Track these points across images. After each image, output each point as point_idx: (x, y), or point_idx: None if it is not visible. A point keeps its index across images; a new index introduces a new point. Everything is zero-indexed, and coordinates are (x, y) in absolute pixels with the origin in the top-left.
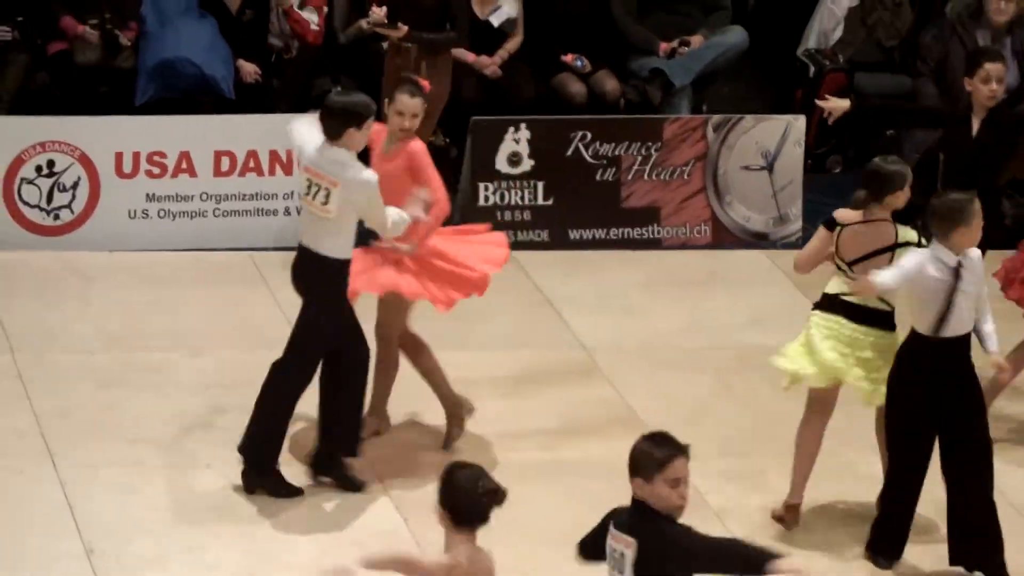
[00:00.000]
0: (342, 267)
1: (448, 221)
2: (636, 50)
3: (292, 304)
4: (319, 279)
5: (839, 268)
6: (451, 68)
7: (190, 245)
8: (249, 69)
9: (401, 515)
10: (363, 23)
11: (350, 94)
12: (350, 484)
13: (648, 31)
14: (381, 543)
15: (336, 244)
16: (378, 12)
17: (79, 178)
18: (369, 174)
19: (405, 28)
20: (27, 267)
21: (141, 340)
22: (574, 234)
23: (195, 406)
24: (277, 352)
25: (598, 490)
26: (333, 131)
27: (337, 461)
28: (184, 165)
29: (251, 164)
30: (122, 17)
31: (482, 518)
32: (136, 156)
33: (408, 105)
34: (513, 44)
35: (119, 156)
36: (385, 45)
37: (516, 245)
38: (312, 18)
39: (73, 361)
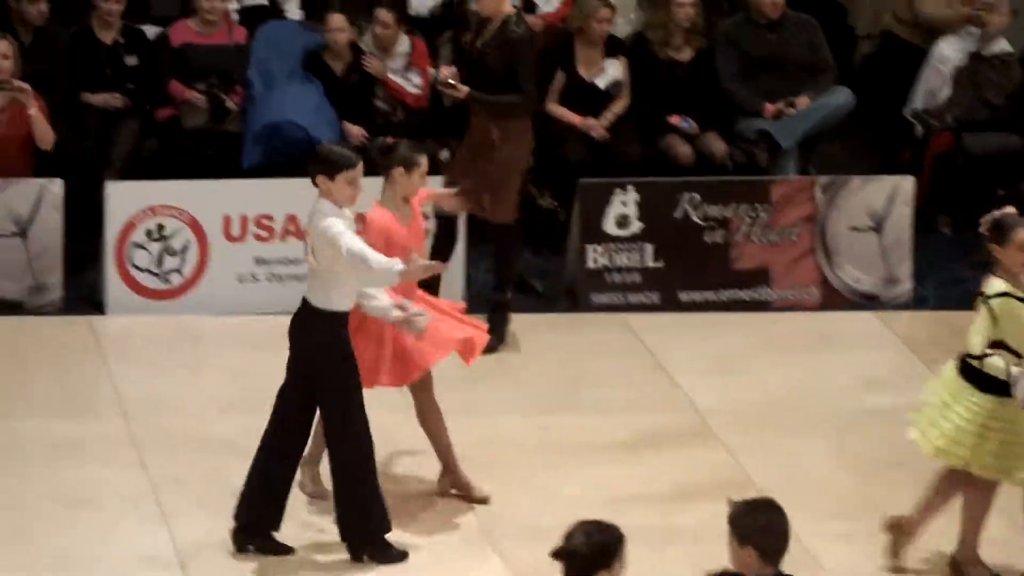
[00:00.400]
0: (336, 318)
1: (559, 283)
2: (742, 111)
3: None
4: (315, 332)
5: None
6: (527, 132)
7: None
8: (355, 132)
9: None
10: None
11: (336, 146)
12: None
13: (754, 93)
14: None
15: (325, 297)
16: (445, 72)
17: (188, 242)
18: (329, 222)
19: (466, 89)
20: (139, 331)
21: (252, 405)
22: (684, 296)
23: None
24: (390, 414)
25: (713, 554)
26: (311, 178)
27: (263, 531)
28: (292, 228)
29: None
30: (229, 81)
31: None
32: (244, 220)
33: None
34: (620, 106)
35: (227, 220)
36: None
37: (626, 308)
38: (414, 81)
39: (186, 426)
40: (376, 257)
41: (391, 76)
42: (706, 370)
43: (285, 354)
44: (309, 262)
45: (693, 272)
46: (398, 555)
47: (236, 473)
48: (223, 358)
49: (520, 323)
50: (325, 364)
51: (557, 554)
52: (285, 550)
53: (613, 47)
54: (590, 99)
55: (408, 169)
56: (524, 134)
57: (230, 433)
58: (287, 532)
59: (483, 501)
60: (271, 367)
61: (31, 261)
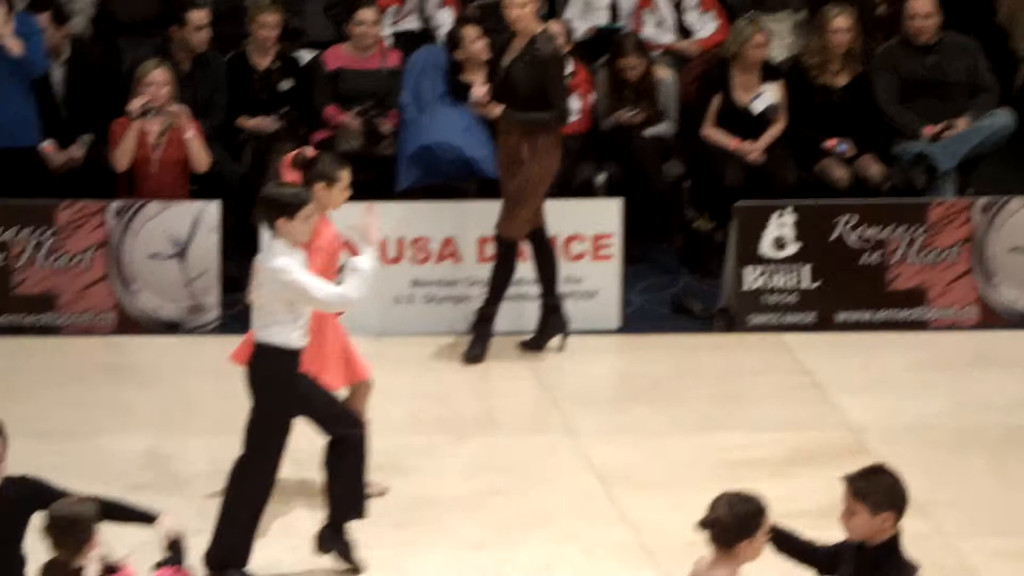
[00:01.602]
0: (283, 356)
1: (715, 304)
2: (900, 134)
3: (554, 387)
4: (262, 370)
5: None
6: (556, 149)
7: (455, 329)
8: None
9: None
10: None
11: (282, 186)
12: (351, 561)
13: (912, 115)
14: None
15: (267, 332)
16: (478, 91)
17: (343, 264)
18: (280, 262)
19: (501, 107)
20: None
21: (410, 424)
22: (840, 317)
23: (465, 490)
24: (544, 437)
25: None
26: (268, 221)
27: (340, 534)
28: (448, 251)
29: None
30: (383, 105)
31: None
32: (400, 242)
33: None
34: (776, 130)
35: (383, 242)
36: None
37: (782, 328)
38: (574, 106)
39: None
40: (327, 289)
41: None
42: (862, 389)
43: (435, 374)
44: (252, 298)
45: (850, 292)
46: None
47: (392, 491)
48: (378, 379)
49: (678, 344)
50: (263, 398)
51: (703, 524)
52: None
53: (769, 72)
54: (746, 123)
55: (329, 184)
56: (553, 151)
57: (385, 450)
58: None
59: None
60: (421, 386)
61: (189, 282)
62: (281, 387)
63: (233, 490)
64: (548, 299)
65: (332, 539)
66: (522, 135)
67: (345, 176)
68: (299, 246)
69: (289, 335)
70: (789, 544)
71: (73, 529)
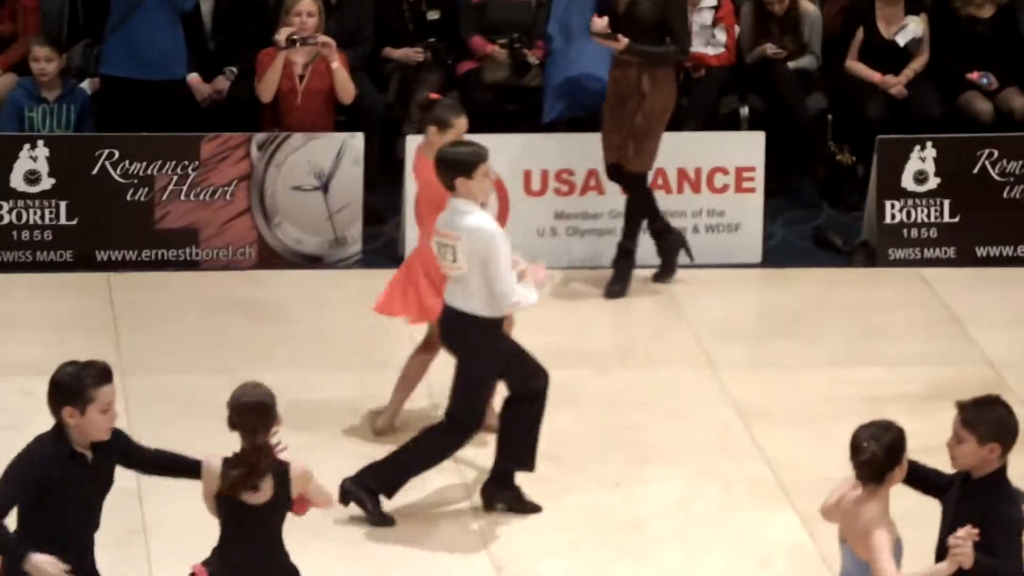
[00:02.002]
0: (490, 325)
1: (856, 238)
2: None
3: (695, 320)
4: (467, 339)
5: None
6: (673, 82)
7: (597, 263)
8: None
9: (807, 530)
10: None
11: (460, 145)
12: (524, 507)
13: None
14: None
15: (480, 302)
16: (599, 22)
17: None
18: (485, 222)
19: (626, 40)
20: None
21: (550, 358)
22: (981, 251)
23: (601, 424)
24: (683, 370)
25: None
26: (447, 182)
27: (510, 483)
28: (592, 183)
29: (659, 182)
30: (530, 36)
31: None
32: (544, 174)
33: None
34: (919, 63)
35: (527, 174)
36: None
37: (922, 262)
38: (719, 38)
39: None
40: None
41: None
42: (1002, 324)
43: (577, 308)
44: (454, 269)
45: (990, 227)
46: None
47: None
48: (519, 312)
49: (818, 277)
50: (473, 366)
51: (860, 464)
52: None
53: (913, 4)
54: (889, 56)
55: (442, 129)
56: (671, 83)
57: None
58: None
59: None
60: (563, 320)
61: (332, 215)
62: (489, 355)
63: (421, 443)
64: (655, 224)
65: (498, 493)
66: (642, 68)
67: (460, 124)
68: (480, 202)
69: (490, 303)
70: (918, 474)
71: (263, 410)
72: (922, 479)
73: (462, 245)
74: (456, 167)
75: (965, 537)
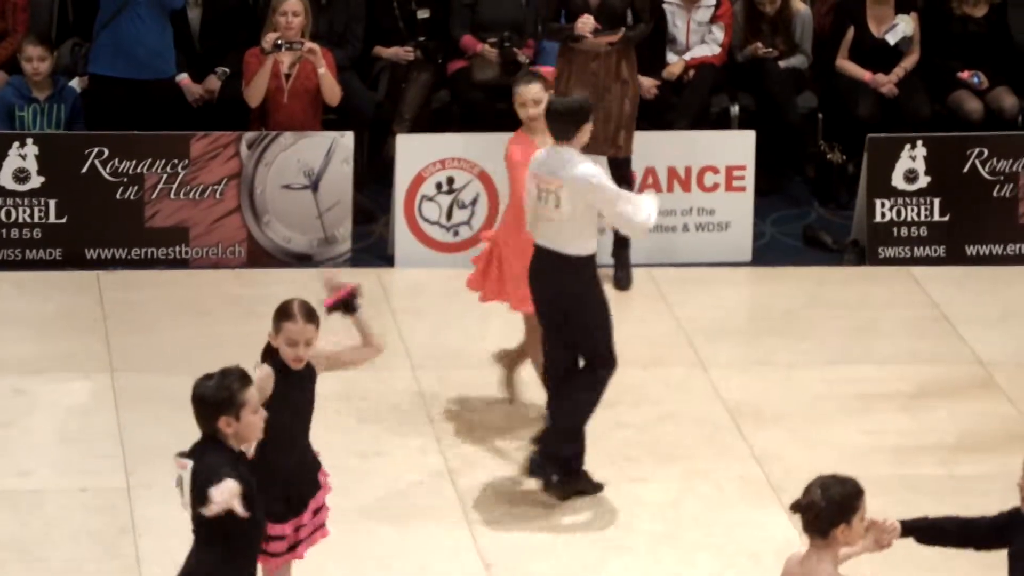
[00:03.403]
0: (589, 261)
1: (846, 237)
2: None
3: (686, 322)
4: (570, 278)
5: None
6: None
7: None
8: (647, 85)
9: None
10: (613, 33)
11: (564, 96)
12: (591, 487)
13: None
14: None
15: (579, 243)
16: (589, 21)
17: (478, 195)
18: (586, 168)
19: (622, 30)
20: (428, 284)
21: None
22: (971, 250)
23: (592, 423)
24: (674, 369)
25: (994, 507)
26: (564, 132)
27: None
28: None
29: (649, 180)
30: (520, 35)
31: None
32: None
33: (524, 92)
34: (910, 62)
35: None
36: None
37: (913, 261)
38: (716, 36)
39: (474, 378)
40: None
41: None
42: (991, 323)
43: None
44: (555, 215)
45: (980, 226)
46: (593, 486)
47: (522, 425)
48: (511, 312)
49: (809, 276)
50: (577, 307)
51: (795, 507)
52: (594, 487)
53: (904, 3)
54: (880, 55)
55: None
56: (636, 68)
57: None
58: None
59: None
60: None
61: (321, 214)
62: (594, 291)
63: (574, 395)
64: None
65: (543, 465)
66: (621, 55)
67: (520, 90)
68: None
69: (589, 243)
70: (935, 533)
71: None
72: (946, 533)
73: (565, 193)
74: (574, 115)
75: None
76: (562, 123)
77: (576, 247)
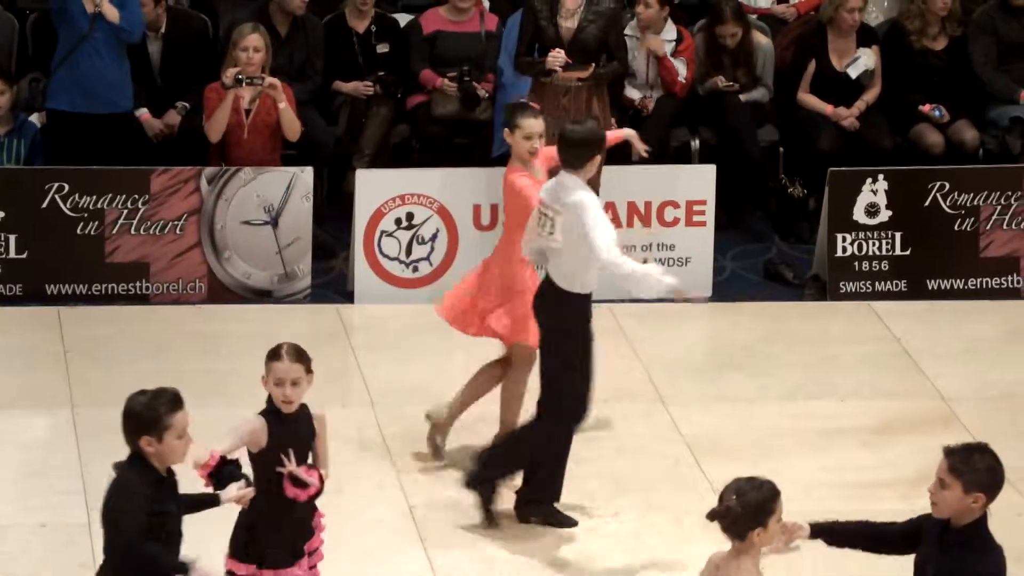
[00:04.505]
0: (578, 300)
1: (808, 271)
2: (995, 99)
3: (647, 358)
4: (557, 311)
5: None
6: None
7: None
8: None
9: None
10: (555, 67)
11: (584, 123)
12: (560, 521)
13: (1009, 79)
14: None
15: (572, 278)
16: (559, 56)
17: (438, 230)
18: (583, 198)
19: (592, 66)
20: (388, 320)
21: (498, 393)
22: (932, 284)
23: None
24: (634, 404)
25: None
26: (573, 161)
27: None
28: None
29: (609, 215)
30: (480, 69)
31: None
32: (494, 208)
33: (535, 126)
34: (871, 95)
35: (477, 208)
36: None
37: (874, 295)
38: (681, 69)
39: None
40: (635, 266)
41: (669, 58)
42: (953, 357)
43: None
44: (551, 241)
45: (942, 260)
46: (568, 521)
47: None
48: (471, 347)
49: (769, 311)
50: (554, 338)
51: (711, 516)
52: (569, 522)
53: (865, 36)
54: (841, 88)
55: (511, 131)
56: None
57: (477, 420)
58: None
59: None
60: None
61: (281, 249)
62: (576, 335)
63: (521, 440)
64: None
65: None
66: (592, 91)
67: (527, 124)
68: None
69: (585, 277)
70: (845, 536)
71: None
72: (857, 536)
73: (560, 220)
74: (586, 146)
75: None
76: (573, 151)
77: (568, 281)
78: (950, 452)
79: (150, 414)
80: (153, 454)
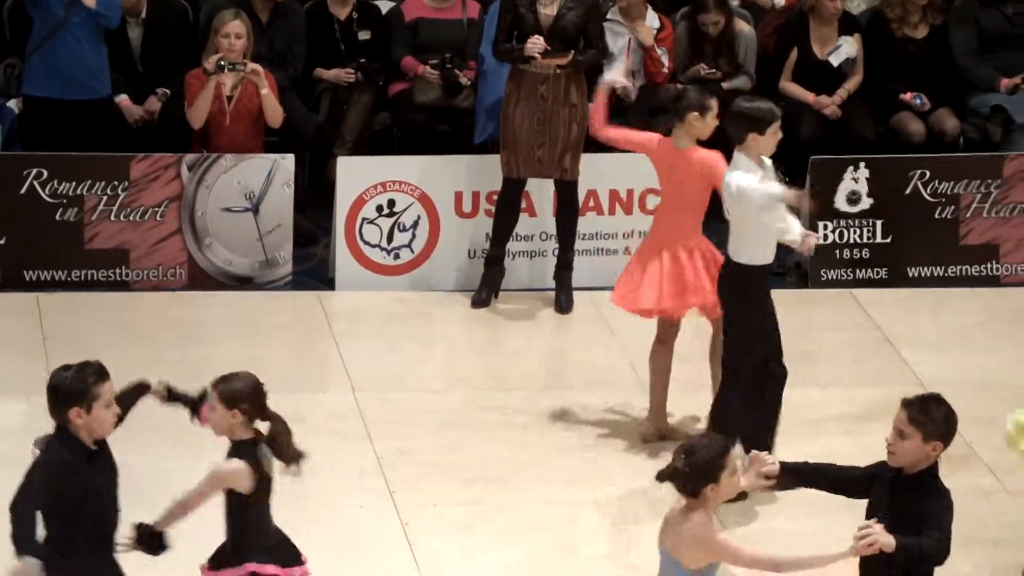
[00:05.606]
0: (755, 273)
1: (789, 259)
2: (976, 87)
3: (628, 346)
4: (735, 286)
5: None
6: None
7: (529, 285)
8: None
9: None
10: (535, 56)
11: (754, 99)
12: None
13: (990, 68)
14: None
15: (745, 250)
16: (539, 43)
17: (419, 217)
18: (739, 175)
19: (571, 53)
20: (367, 306)
21: (483, 380)
22: (913, 272)
23: (535, 446)
24: (617, 394)
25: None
26: (736, 135)
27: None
28: (524, 205)
29: (591, 203)
30: (462, 57)
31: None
32: (476, 195)
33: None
34: (852, 83)
35: (458, 196)
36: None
37: (855, 283)
38: (664, 59)
39: (414, 401)
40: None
41: (656, 49)
42: (934, 345)
43: (512, 330)
44: (727, 216)
45: (922, 248)
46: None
47: (462, 447)
48: (451, 334)
49: None
50: (732, 312)
51: (660, 477)
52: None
53: (847, 24)
54: (823, 76)
55: (702, 113)
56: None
57: (457, 408)
58: None
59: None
60: (498, 343)
61: (262, 236)
62: (755, 302)
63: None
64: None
65: None
66: (570, 79)
67: (715, 104)
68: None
69: (755, 252)
70: (811, 475)
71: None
72: (818, 477)
73: (725, 194)
74: (752, 122)
75: (871, 526)
76: (735, 126)
77: (741, 254)
78: (908, 403)
79: (78, 386)
80: (82, 426)
